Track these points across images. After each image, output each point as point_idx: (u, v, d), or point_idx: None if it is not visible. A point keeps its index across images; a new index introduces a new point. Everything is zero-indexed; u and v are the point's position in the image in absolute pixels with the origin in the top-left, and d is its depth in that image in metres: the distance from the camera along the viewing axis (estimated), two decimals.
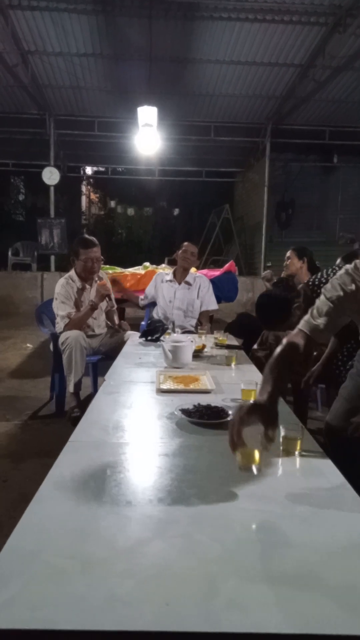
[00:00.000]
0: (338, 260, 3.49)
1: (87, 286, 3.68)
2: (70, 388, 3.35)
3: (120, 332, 3.78)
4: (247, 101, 9.37)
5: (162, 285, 4.15)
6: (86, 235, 3.77)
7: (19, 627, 0.77)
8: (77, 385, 3.34)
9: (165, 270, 4.70)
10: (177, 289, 4.08)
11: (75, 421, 1.65)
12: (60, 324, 3.47)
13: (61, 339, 3.36)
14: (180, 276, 4.13)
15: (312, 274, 3.82)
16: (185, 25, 7.07)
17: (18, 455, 2.88)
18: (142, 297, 4.36)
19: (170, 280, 4.13)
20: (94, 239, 3.67)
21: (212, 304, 4.16)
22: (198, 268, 7.35)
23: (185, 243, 4.13)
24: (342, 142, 10.25)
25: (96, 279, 3.70)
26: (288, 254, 3.99)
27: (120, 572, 0.90)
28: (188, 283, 4.09)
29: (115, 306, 3.98)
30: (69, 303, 3.52)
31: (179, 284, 4.10)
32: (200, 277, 4.23)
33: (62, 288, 3.55)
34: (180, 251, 4.08)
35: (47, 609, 0.80)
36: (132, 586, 0.86)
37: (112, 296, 3.93)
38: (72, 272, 3.68)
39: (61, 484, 1.25)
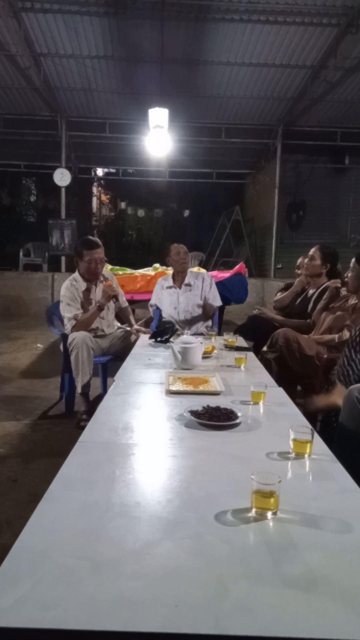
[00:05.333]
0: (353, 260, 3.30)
1: (92, 286, 3.68)
2: (79, 389, 3.35)
3: (133, 334, 3.78)
4: (258, 103, 9.36)
5: (163, 292, 4.10)
6: (89, 237, 3.77)
7: (29, 626, 0.77)
8: (86, 387, 3.35)
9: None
10: (179, 294, 4.04)
11: (83, 429, 1.65)
12: (67, 326, 3.48)
13: (68, 340, 3.37)
14: (179, 280, 4.08)
15: (330, 279, 3.70)
16: (196, 27, 7.08)
17: (28, 455, 2.90)
18: (150, 304, 4.31)
19: (170, 287, 4.08)
20: (97, 240, 3.68)
21: (216, 301, 4.08)
22: (208, 269, 7.37)
23: (174, 245, 4.05)
24: (353, 143, 10.19)
25: (101, 279, 3.70)
26: (312, 252, 3.72)
27: (129, 572, 0.90)
28: (188, 285, 4.05)
29: (127, 304, 3.99)
30: (74, 305, 3.53)
31: (180, 288, 4.05)
32: (202, 275, 4.17)
33: (66, 290, 3.56)
34: (172, 254, 4.01)
35: (56, 608, 0.80)
36: (141, 587, 0.86)
37: (123, 295, 3.93)
38: (76, 274, 3.69)
39: (70, 484, 1.25)
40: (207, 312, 4.07)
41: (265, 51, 7.58)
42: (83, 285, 3.63)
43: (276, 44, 7.38)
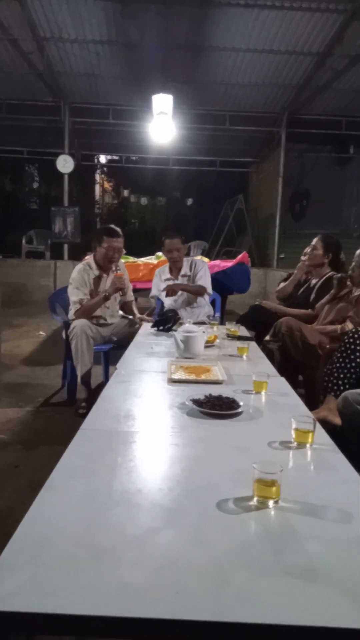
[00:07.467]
0: (358, 252, 3.17)
1: (104, 275, 3.68)
2: (79, 378, 3.36)
3: (137, 322, 3.79)
4: (263, 90, 9.25)
5: (162, 284, 4.07)
6: (112, 225, 3.73)
7: (30, 611, 0.77)
8: (86, 375, 3.35)
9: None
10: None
11: (82, 417, 1.65)
12: (72, 309, 3.49)
13: (69, 328, 3.37)
14: (176, 271, 4.06)
15: (334, 270, 3.66)
16: (201, 13, 6.98)
17: (30, 442, 2.91)
18: (151, 295, 4.29)
19: (168, 279, 4.06)
20: (119, 230, 3.66)
21: (204, 282, 3.96)
22: (211, 259, 7.33)
23: (167, 240, 3.96)
24: (358, 132, 10.09)
25: (114, 268, 3.70)
26: (314, 242, 3.72)
27: (130, 561, 0.90)
28: (185, 275, 4.03)
29: (133, 298, 3.99)
30: (82, 290, 3.53)
31: (177, 279, 4.03)
32: (195, 261, 4.12)
33: (78, 274, 3.56)
34: (165, 250, 3.98)
35: (57, 596, 0.80)
36: (142, 575, 0.86)
37: (130, 288, 3.92)
38: (90, 260, 3.68)
39: (72, 471, 1.25)
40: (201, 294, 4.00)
41: (270, 37, 7.46)
42: (96, 272, 3.63)
43: (281, 30, 7.27)
